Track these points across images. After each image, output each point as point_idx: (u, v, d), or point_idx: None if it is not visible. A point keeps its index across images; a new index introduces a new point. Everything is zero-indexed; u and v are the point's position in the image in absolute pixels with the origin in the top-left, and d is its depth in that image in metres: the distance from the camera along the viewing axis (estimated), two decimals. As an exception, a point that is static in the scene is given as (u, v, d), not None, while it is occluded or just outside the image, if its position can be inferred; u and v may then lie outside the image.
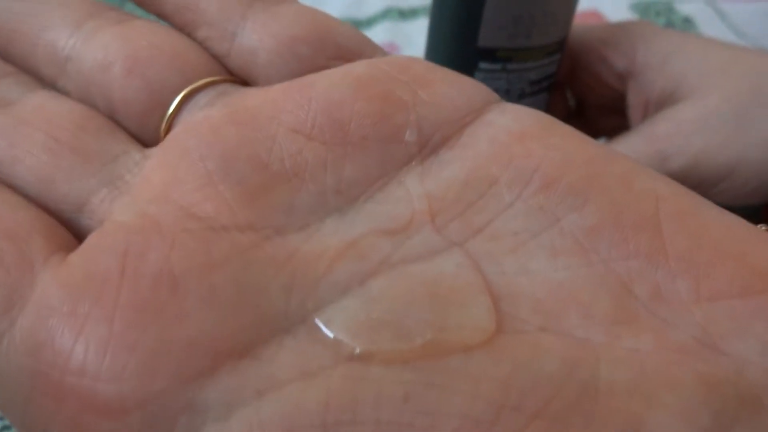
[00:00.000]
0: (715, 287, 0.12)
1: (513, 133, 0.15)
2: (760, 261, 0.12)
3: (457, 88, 0.15)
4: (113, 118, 0.16)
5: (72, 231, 0.15)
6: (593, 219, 0.13)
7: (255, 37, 0.17)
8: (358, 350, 0.12)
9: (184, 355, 0.12)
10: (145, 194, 0.14)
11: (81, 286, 0.13)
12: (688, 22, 0.37)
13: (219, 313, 0.12)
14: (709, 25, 0.37)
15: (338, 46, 0.17)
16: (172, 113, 0.16)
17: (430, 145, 0.15)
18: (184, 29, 0.18)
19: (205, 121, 0.15)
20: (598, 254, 0.13)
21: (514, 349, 0.12)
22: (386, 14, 0.40)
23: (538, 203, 0.14)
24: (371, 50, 0.17)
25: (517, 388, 0.12)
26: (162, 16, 0.18)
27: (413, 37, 0.40)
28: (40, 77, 0.17)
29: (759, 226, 0.14)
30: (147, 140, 0.16)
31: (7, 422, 0.25)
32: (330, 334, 0.12)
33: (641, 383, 0.11)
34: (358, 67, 0.16)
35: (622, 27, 0.32)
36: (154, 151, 0.16)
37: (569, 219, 0.13)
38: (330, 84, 0.15)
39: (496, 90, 0.29)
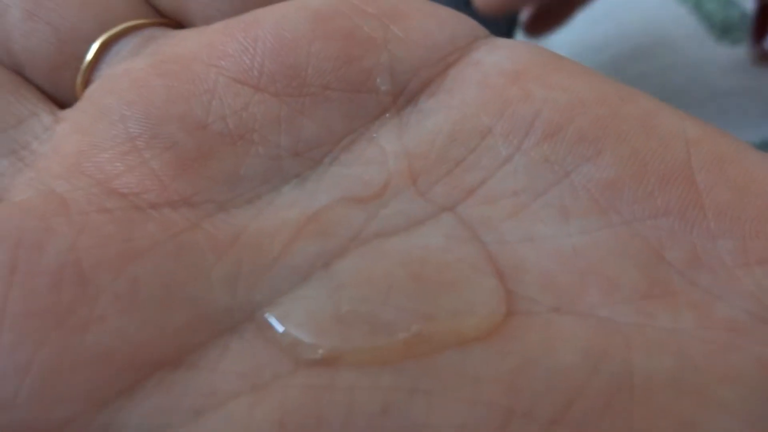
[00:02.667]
0: (766, 247, 0.10)
1: (507, 72, 0.12)
2: None
3: (437, 21, 0.13)
4: (19, 73, 0.14)
5: None
6: (611, 171, 0.11)
7: None
8: (321, 351, 0.10)
9: (95, 370, 0.10)
10: (54, 167, 0.12)
11: None
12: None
13: (142, 313, 0.10)
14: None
15: None
16: (87, 66, 0.13)
17: (406, 92, 0.12)
18: None
19: (126, 74, 0.13)
20: (620, 214, 0.11)
21: (522, 339, 0.10)
22: None
23: (542, 155, 0.11)
24: None
25: (529, 389, 0.09)
26: None
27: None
28: None
29: None
30: (61, 99, 0.14)
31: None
32: (285, 333, 0.10)
33: (687, 375, 0.09)
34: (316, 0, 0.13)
35: None
36: (68, 113, 0.13)
37: (581, 172, 0.11)
38: (281, 20, 0.13)
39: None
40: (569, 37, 0.34)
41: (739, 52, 0.32)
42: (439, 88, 0.12)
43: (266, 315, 0.10)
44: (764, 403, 0.09)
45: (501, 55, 0.12)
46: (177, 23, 0.14)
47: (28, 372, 0.10)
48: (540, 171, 0.11)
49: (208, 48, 0.12)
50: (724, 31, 0.33)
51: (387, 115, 0.12)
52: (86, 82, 0.13)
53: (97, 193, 0.11)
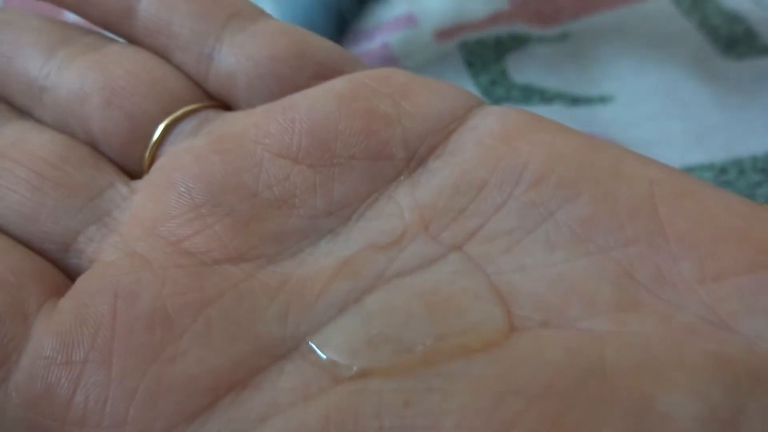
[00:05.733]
0: (720, 266, 0.12)
1: (497, 134, 0.15)
2: (763, 236, 0.12)
3: (440, 96, 0.16)
4: (96, 148, 0.16)
5: (60, 270, 0.15)
6: (587, 209, 0.13)
7: (232, 60, 0.17)
8: (355, 368, 0.12)
9: (184, 393, 0.12)
10: (134, 231, 0.14)
11: (74, 333, 0.13)
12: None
13: (216, 347, 0.13)
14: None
15: (318, 63, 0.17)
16: (154, 144, 0.16)
17: (417, 156, 0.15)
18: (159, 53, 0.17)
19: (189, 151, 0.15)
20: (596, 243, 0.13)
21: (515, 347, 0.12)
22: None
23: (530, 199, 0.14)
24: (351, 65, 0.17)
25: (518, 377, 0.12)
26: (134, 40, 0.18)
27: (430, 8, 0.39)
28: (15, 107, 0.17)
29: (764, 204, 0.14)
30: (131, 170, 0.16)
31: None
32: (324, 356, 0.13)
33: (650, 363, 0.11)
34: (339, 84, 0.16)
35: None
36: (141, 185, 0.16)
37: (563, 211, 0.13)
38: (312, 103, 0.15)
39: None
40: (576, 50, 0.35)
41: (745, 66, 0.33)
42: (444, 151, 0.15)
43: (311, 343, 0.13)
44: (711, 383, 0.11)
45: (492, 120, 0.15)
46: (225, 104, 0.17)
47: (134, 396, 0.12)
48: (529, 213, 0.14)
49: (254, 128, 0.15)
50: (729, 45, 0.33)
51: (402, 177, 0.15)
52: (153, 157, 0.16)
53: (171, 252, 0.14)
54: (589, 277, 0.13)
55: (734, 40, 0.34)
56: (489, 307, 0.13)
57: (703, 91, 0.32)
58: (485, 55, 0.35)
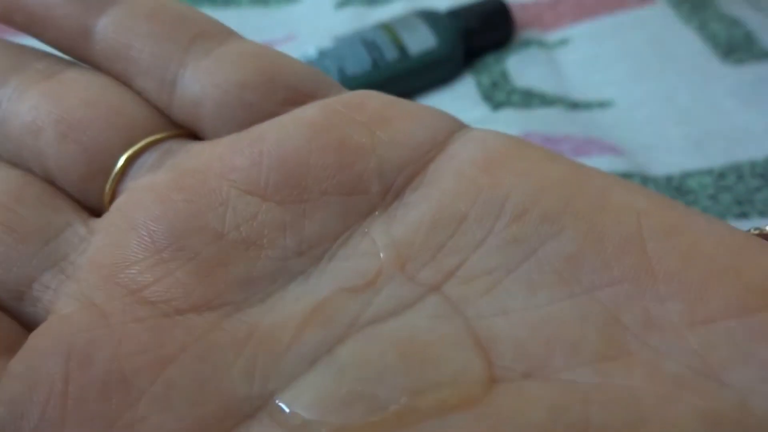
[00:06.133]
0: (710, 309, 0.11)
1: (478, 163, 0.14)
2: (756, 276, 0.11)
3: (417, 122, 0.14)
4: (52, 183, 0.15)
5: (14, 319, 0.14)
6: (571, 246, 0.12)
7: (197, 87, 0.15)
8: (325, 430, 0.11)
9: None
10: (92, 279, 0.13)
11: (24, 402, 0.12)
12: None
13: (177, 411, 0.12)
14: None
15: (288, 88, 0.15)
16: (114, 178, 0.15)
17: (393, 189, 0.14)
18: (119, 78, 0.16)
19: (150, 189, 0.14)
20: (581, 284, 0.12)
21: (496, 404, 0.11)
22: None
23: (511, 236, 0.13)
24: (325, 88, 0.16)
25: None
26: (92, 65, 0.16)
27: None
28: None
29: (750, 229, 0.13)
30: (90, 205, 0.15)
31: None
32: (294, 416, 0.12)
33: (636, 424, 0.11)
34: (311, 112, 0.15)
35: None
36: (100, 224, 0.15)
37: (546, 248, 0.13)
38: (281, 134, 0.14)
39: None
40: (578, 54, 0.35)
41: (744, 71, 0.33)
42: (421, 182, 0.14)
43: (279, 402, 0.12)
44: None
45: (473, 148, 0.14)
46: (190, 132, 0.16)
47: None
48: (510, 250, 0.13)
49: (219, 162, 0.14)
50: (728, 51, 0.33)
51: (377, 212, 0.14)
52: (114, 192, 0.15)
53: (131, 302, 0.13)
54: (573, 322, 0.12)
55: (733, 45, 0.34)
56: (468, 356, 0.12)
57: (702, 97, 0.32)
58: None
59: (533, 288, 0.12)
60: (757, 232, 0.14)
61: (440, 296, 0.13)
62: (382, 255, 0.13)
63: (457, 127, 0.15)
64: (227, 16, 0.39)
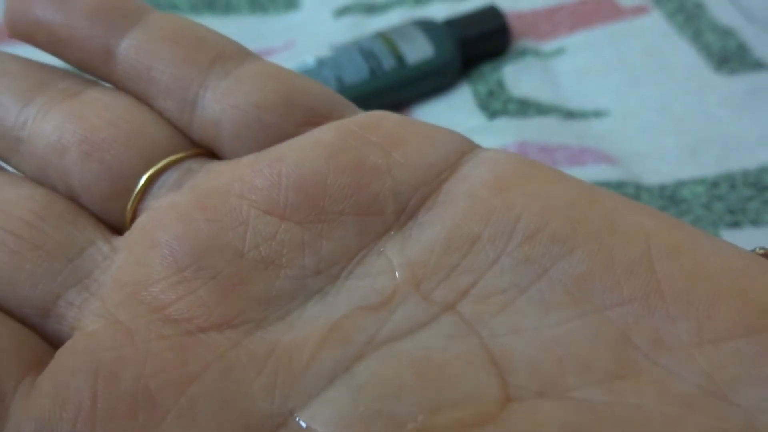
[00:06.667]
0: (718, 328, 0.12)
1: (490, 184, 0.14)
2: (761, 296, 0.12)
3: (431, 143, 0.15)
4: (76, 201, 0.16)
5: (39, 336, 0.14)
6: (582, 266, 0.13)
7: (217, 108, 0.16)
8: None
9: None
10: (116, 296, 0.14)
11: (54, 418, 0.12)
12: (699, 7, 0.37)
13: (201, 427, 0.12)
14: (720, 9, 0.36)
15: (306, 109, 0.16)
16: (136, 197, 0.15)
17: (408, 209, 0.14)
18: (141, 98, 0.16)
19: (172, 209, 0.15)
20: (592, 303, 0.12)
21: (511, 422, 0.12)
22: (401, 0, 0.40)
23: (523, 255, 0.13)
24: (340, 109, 0.16)
25: None
26: (114, 84, 0.17)
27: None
28: None
29: (755, 249, 0.14)
30: (113, 223, 0.16)
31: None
32: None
33: None
34: (327, 134, 0.15)
35: None
36: (122, 243, 0.15)
37: (557, 268, 0.13)
38: (300, 156, 0.15)
39: None
40: (574, 64, 0.35)
41: (737, 81, 0.33)
42: (435, 202, 0.14)
43: (299, 419, 0.12)
44: None
45: (485, 169, 0.14)
46: (209, 152, 0.16)
47: None
48: (522, 269, 0.13)
49: (239, 182, 0.14)
50: (722, 61, 0.34)
51: (392, 231, 0.14)
52: (135, 211, 0.15)
53: (154, 320, 0.13)
54: (584, 341, 0.12)
55: (727, 55, 0.34)
56: (483, 375, 0.12)
57: (695, 106, 0.32)
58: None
59: (545, 307, 0.13)
60: (762, 252, 0.14)
61: (455, 315, 0.13)
62: (397, 274, 0.14)
63: (468, 148, 0.15)
64: (227, 24, 0.40)
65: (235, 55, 0.16)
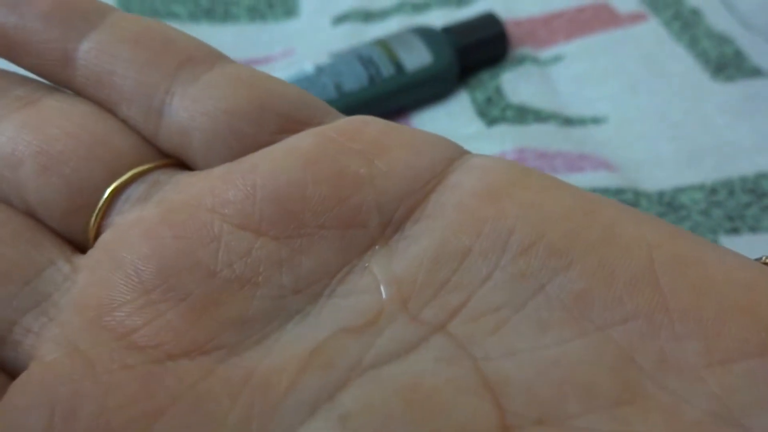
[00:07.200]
0: (728, 348, 0.11)
1: (481, 193, 0.13)
2: None
3: (416, 150, 0.14)
4: (33, 217, 0.14)
5: None
6: (581, 282, 0.12)
7: (185, 115, 0.14)
8: None
9: None
10: (76, 322, 0.13)
11: None
12: (695, 14, 0.37)
13: None
14: (717, 16, 0.36)
15: (282, 116, 0.14)
16: (99, 213, 0.14)
17: (393, 222, 0.13)
18: (103, 106, 0.15)
19: (137, 225, 0.13)
20: (592, 321, 0.11)
21: None
22: (400, 8, 0.40)
23: (518, 270, 0.12)
24: (319, 115, 0.15)
25: None
26: (75, 92, 0.15)
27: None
28: None
29: (760, 258, 0.13)
30: (74, 240, 0.14)
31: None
32: None
33: None
34: (305, 141, 0.14)
35: None
36: (84, 263, 0.14)
37: (554, 284, 0.12)
38: (275, 165, 0.13)
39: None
40: (572, 71, 0.35)
41: (734, 88, 0.33)
42: (422, 214, 0.13)
43: None
44: None
45: (474, 177, 0.13)
46: (178, 162, 0.15)
47: None
48: (517, 286, 0.12)
49: (210, 195, 0.13)
50: (719, 68, 0.34)
51: (377, 246, 0.13)
52: (99, 227, 0.14)
53: (118, 348, 0.12)
54: (586, 364, 0.11)
55: (724, 62, 0.34)
56: (477, 402, 0.11)
57: (693, 113, 0.31)
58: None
59: (542, 327, 0.12)
60: (766, 259, 0.13)
61: (446, 337, 0.12)
62: (383, 292, 0.13)
63: (457, 154, 0.14)
64: (225, 32, 0.39)
65: (204, 58, 0.15)
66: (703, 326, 0.11)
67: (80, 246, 0.14)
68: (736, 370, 0.11)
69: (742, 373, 0.11)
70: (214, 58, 0.15)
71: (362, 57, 0.33)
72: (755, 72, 0.33)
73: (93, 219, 0.14)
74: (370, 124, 0.14)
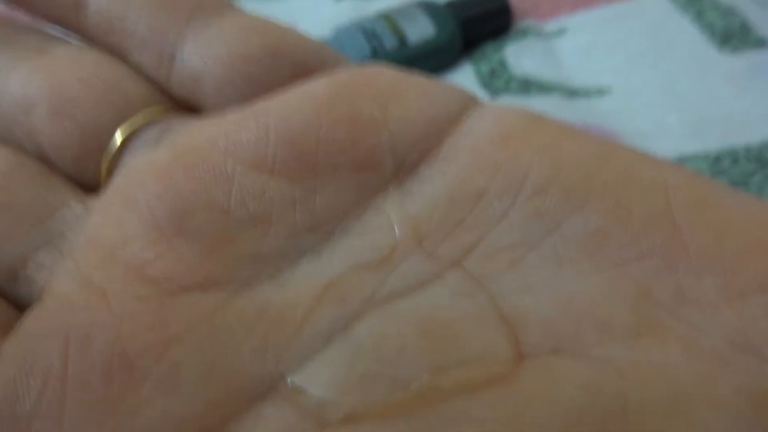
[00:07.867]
0: (747, 282, 0.11)
1: (495, 138, 0.13)
2: None
3: (431, 97, 0.14)
4: (46, 161, 0.14)
5: (8, 300, 0.13)
6: (598, 221, 0.12)
7: (197, 61, 0.14)
8: (344, 411, 0.11)
9: None
10: (90, 256, 0.12)
11: (20, 385, 0.11)
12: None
13: (185, 393, 0.11)
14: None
15: (295, 63, 0.14)
16: (111, 158, 0.14)
17: (406, 164, 0.13)
18: (115, 53, 0.15)
19: (150, 166, 0.13)
20: (609, 258, 0.11)
21: (524, 381, 0.11)
22: None
23: (533, 210, 0.12)
24: (332, 61, 0.15)
25: (530, 419, 0.10)
26: (85, 38, 0.15)
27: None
28: None
29: None
30: (86, 182, 0.14)
31: None
32: (310, 397, 0.11)
33: (676, 402, 0.10)
34: (319, 86, 0.14)
35: None
36: (97, 204, 0.14)
37: (571, 223, 0.12)
38: (289, 109, 0.13)
39: None
40: (576, 43, 0.35)
41: (740, 59, 0.33)
42: (437, 158, 0.13)
43: (292, 381, 0.11)
44: (742, 424, 0.10)
45: (489, 122, 0.13)
46: (190, 107, 0.15)
47: None
48: (533, 224, 0.12)
49: (224, 138, 0.13)
50: (725, 39, 0.34)
51: (390, 188, 0.13)
52: (111, 170, 0.14)
53: (132, 280, 0.12)
54: (602, 298, 0.11)
55: (729, 34, 0.34)
56: (493, 333, 0.11)
57: (698, 84, 0.31)
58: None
59: (558, 263, 0.12)
60: None
61: (461, 272, 0.12)
62: (397, 230, 0.13)
63: (471, 103, 0.14)
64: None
65: (216, 5, 0.15)
66: (722, 262, 0.11)
67: (92, 189, 0.14)
68: (756, 302, 0.11)
69: (761, 305, 0.10)
70: (225, 5, 0.15)
71: (365, 30, 0.33)
72: (761, 43, 0.33)
73: (105, 162, 0.14)
74: (384, 72, 0.14)
